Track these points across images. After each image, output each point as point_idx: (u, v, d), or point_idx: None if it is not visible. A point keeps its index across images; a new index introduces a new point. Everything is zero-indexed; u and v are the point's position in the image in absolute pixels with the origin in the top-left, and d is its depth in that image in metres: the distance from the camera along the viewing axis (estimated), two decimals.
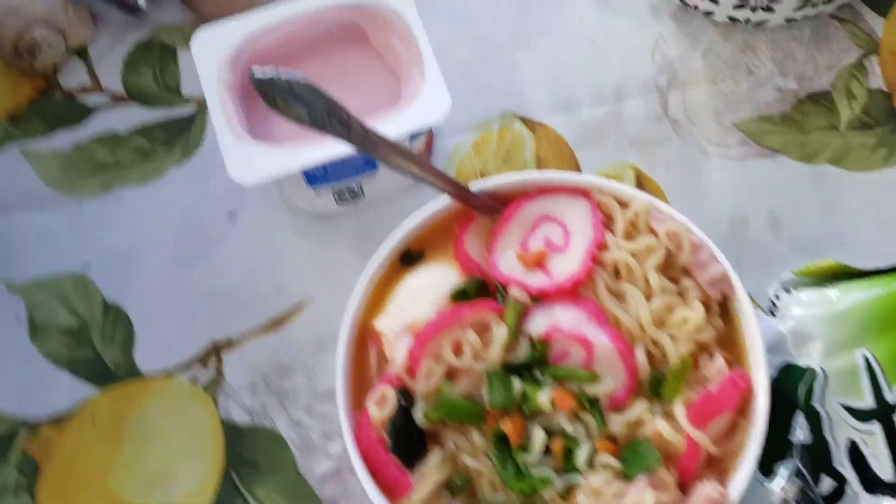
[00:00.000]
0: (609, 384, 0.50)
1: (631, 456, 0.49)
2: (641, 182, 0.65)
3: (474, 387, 0.50)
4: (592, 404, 0.49)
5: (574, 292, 0.51)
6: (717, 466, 0.50)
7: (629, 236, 0.53)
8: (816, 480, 0.51)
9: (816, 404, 0.51)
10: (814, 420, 0.51)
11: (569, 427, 0.49)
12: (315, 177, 0.59)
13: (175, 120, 0.68)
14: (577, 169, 0.66)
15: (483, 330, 0.51)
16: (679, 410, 0.49)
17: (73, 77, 0.70)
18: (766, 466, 0.51)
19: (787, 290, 0.55)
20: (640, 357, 0.50)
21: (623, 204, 0.54)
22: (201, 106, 0.68)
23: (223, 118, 0.56)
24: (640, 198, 0.53)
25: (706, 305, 0.52)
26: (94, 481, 0.59)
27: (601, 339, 0.50)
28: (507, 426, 0.49)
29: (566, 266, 0.52)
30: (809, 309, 0.53)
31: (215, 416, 0.61)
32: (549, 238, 0.53)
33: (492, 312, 0.51)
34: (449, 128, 0.66)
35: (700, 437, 0.48)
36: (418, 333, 0.50)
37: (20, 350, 0.62)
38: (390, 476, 0.49)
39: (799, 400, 0.51)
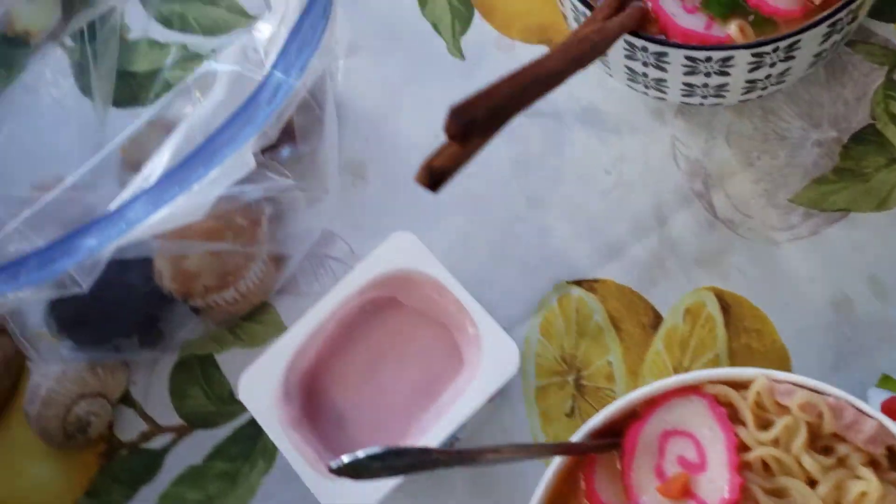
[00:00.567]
0: None
1: None
2: (724, 301, 0.60)
3: None
4: None
5: None
6: None
7: (761, 423, 0.49)
8: None
9: None
10: None
11: None
12: None
13: (243, 427, 0.65)
14: (655, 314, 0.61)
15: None
16: None
17: (129, 427, 0.67)
18: None
19: None
20: None
21: (738, 385, 0.50)
22: None
23: (301, 459, 0.54)
24: (755, 375, 0.49)
25: (874, 464, 0.47)
26: None
27: None
28: None
29: (715, 487, 0.48)
30: None
31: None
32: (683, 456, 0.49)
33: None
34: (509, 325, 0.62)
35: None
36: None
37: None
38: None
39: None
